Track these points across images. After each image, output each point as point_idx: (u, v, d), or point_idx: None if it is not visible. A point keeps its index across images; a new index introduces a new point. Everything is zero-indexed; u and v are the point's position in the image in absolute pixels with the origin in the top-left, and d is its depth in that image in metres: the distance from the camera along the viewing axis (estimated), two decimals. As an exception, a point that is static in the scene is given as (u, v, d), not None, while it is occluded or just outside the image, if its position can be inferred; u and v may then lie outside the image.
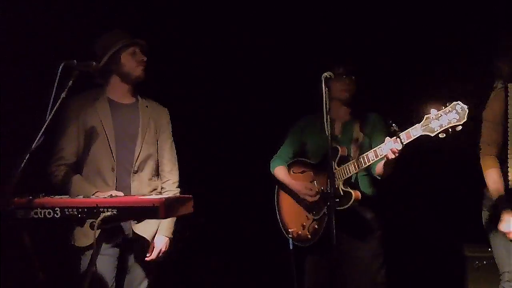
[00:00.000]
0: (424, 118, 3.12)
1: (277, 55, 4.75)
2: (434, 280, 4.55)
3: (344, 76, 3.67)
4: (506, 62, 3.44)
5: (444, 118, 3.05)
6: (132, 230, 3.39)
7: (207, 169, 4.72)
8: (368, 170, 3.58)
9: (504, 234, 3.28)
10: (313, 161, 3.74)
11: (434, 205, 4.47)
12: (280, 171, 3.84)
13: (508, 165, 3.30)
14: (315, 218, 3.63)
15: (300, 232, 3.70)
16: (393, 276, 4.50)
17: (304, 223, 3.69)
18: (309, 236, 3.66)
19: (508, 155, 3.31)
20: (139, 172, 3.46)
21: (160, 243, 3.48)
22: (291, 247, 3.73)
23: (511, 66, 3.43)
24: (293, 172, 3.82)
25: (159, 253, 3.47)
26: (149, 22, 4.38)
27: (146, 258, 3.45)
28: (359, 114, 3.78)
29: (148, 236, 3.44)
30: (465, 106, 3.02)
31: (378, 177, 3.57)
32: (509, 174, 3.29)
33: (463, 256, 4.25)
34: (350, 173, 3.49)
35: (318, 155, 3.69)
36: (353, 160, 3.48)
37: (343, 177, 3.49)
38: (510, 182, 3.29)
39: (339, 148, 3.56)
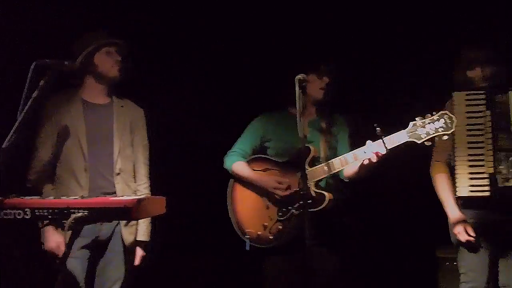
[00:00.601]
0: (411, 124, 3.17)
1: (252, 54, 4.72)
2: (406, 281, 4.59)
3: (324, 76, 3.59)
4: (460, 71, 3.53)
5: (431, 126, 3.12)
6: (121, 234, 3.42)
7: (182, 170, 4.69)
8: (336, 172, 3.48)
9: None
10: (278, 159, 3.60)
11: (407, 207, 4.49)
12: (240, 166, 3.65)
13: (455, 173, 3.37)
14: (280, 219, 3.50)
15: (260, 232, 3.53)
16: (366, 277, 4.57)
17: (266, 224, 3.53)
18: (271, 237, 3.51)
19: (455, 164, 3.38)
20: (121, 174, 3.46)
21: (140, 249, 3.54)
22: (247, 248, 3.56)
23: (464, 75, 3.50)
24: (253, 169, 3.63)
25: (141, 258, 3.54)
26: (126, 22, 4.34)
27: (134, 264, 3.51)
28: (324, 114, 3.69)
29: (128, 240, 3.45)
30: (453, 116, 3.11)
31: (346, 179, 3.53)
32: (456, 182, 3.36)
33: (435, 257, 4.30)
34: (324, 174, 3.41)
35: (284, 154, 3.57)
36: (327, 161, 3.41)
37: (314, 178, 3.41)
38: (457, 190, 3.36)
39: (311, 148, 3.48)
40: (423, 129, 3.13)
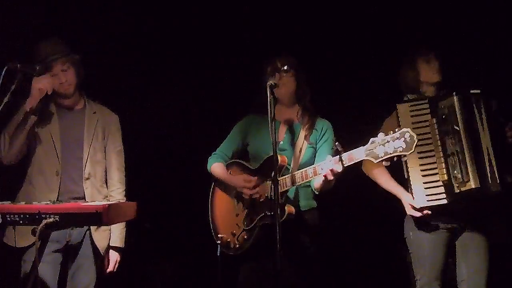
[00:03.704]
0: (370, 141, 2.98)
1: (223, 54, 4.70)
2: (378, 285, 4.63)
3: (281, 71, 3.40)
4: (406, 75, 3.55)
5: (390, 144, 2.91)
6: (91, 238, 3.40)
7: (152, 174, 4.68)
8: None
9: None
10: (253, 166, 3.50)
11: (378, 212, 4.53)
12: (217, 167, 3.58)
13: (410, 184, 3.38)
14: (245, 228, 3.41)
15: (229, 239, 3.47)
16: (339, 281, 4.60)
17: (234, 231, 3.46)
18: (237, 245, 3.44)
19: (409, 176, 3.39)
20: (91, 178, 3.46)
21: (115, 255, 3.53)
22: (218, 253, 3.46)
23: (412, 78, 3.52)
24: (230, 173, 3.57)
25: (115, 264, 3.52)
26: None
27: (107, 270, 3.49)
28: (307, 118, 3.51)
29: (101, 245, 3.44)
30: (414, 135, 2.87)
31: (316, 192, 3.41)
32: (412, 194, 3.37)
33: (406, 262, 4.34)
34: (286, 187, 3.30)
35: (259, 160, 3.46)
36: (291, 174, 3.29)
37: (279, 189, 3.14)
38: (414, 201, 3.37)
39: (279, 157, 3.26)
40: (382, 147, 2.92)
